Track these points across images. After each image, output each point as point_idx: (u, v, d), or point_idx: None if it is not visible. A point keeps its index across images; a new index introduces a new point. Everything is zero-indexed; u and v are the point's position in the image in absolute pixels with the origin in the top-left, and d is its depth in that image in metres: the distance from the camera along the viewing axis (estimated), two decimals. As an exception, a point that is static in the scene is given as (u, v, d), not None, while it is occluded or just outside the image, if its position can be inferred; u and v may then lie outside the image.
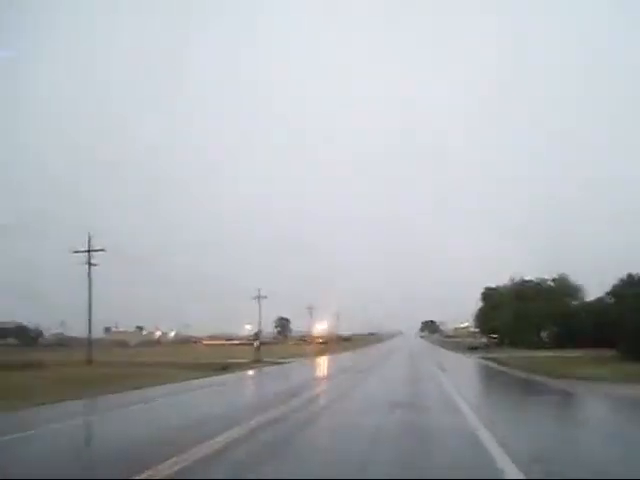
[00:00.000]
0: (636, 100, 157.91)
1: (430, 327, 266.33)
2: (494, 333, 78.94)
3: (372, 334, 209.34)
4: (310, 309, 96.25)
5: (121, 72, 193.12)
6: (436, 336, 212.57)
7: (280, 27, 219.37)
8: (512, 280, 74.08)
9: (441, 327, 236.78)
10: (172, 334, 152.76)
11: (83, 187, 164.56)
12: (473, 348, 71.20)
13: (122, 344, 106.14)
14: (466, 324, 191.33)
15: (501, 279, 77.80)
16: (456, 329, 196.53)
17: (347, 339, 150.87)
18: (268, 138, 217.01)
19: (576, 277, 66.52)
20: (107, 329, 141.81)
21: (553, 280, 69.47)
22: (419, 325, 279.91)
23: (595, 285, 64.73)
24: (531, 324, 65.03)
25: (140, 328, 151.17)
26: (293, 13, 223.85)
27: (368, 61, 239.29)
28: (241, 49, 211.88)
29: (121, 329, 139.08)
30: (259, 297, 67.01)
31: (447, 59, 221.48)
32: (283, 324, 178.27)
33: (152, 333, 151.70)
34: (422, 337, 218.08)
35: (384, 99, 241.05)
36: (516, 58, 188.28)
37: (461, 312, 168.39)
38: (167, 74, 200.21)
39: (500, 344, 72.40)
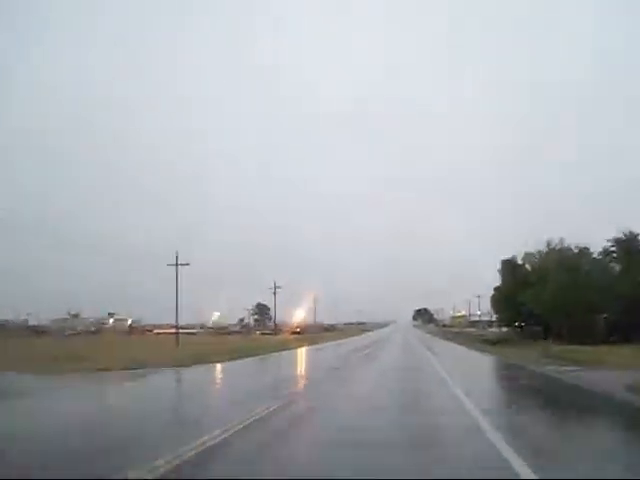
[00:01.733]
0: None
1: (424, 316, 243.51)
2: (522, 319, 55.70)
3: (362, 323, 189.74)
4: (274, 288, 72.43)
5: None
6: (431, 326, 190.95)
7: (281, 27, 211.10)
8: (549, 245, 50.67)
9: (435, 316, 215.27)
10: (128, 322, 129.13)
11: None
12: (493, 342, 47.97)
13: (41, 333, 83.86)
14: (462, 312, 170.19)
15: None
16: (453, 318, 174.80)
17: (329, 328, 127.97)
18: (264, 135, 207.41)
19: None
20: (75, 316, 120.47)
21: (616, 243, 45.68)
22: (412, 314, 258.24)
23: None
24: (588, 306, 41.88)
25: (111, 314, 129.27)
26: (293, 13, 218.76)
27: (368, 61, 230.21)
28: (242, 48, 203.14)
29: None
30: (176, 265, 43.11)
31: (447, 59, 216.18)
32: (262, 311, 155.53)
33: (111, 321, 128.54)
34: (416, 326, 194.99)
35: (384, 98, 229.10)
36: (516, 56, 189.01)
37: (457, 300, 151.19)
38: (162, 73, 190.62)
39: (532, 335, 49.24)
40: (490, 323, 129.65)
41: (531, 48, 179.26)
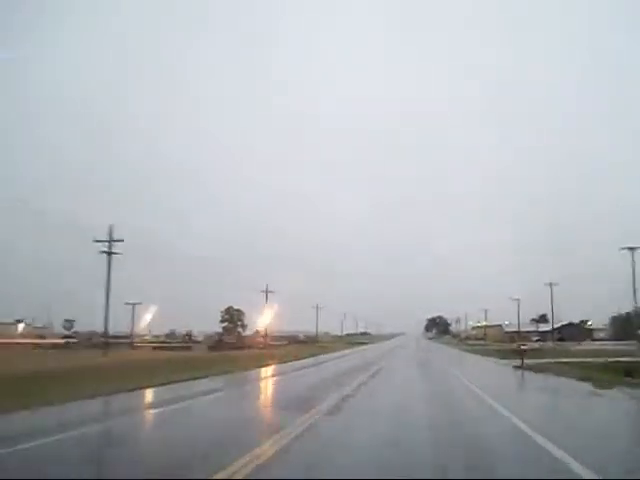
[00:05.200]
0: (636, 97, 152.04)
1: (438, 326, 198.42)
2: None
3: (365, 334, 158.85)
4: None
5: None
6: (447, 338, 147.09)
7: (282, 27, 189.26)
8: None
9: (452, 326, 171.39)
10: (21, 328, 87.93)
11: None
12: None
13: None
14: (483, 323, 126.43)
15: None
16: (479, 327, 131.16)
17: (303, 340, 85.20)
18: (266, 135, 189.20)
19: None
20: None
21: None
22: (424, 323, 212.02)
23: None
24: None
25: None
26: (293, 13, 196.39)
27: (368, 60, 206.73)
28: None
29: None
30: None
31: (447, 59, 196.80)
32: (233, 317, 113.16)
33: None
34: (431, 339, 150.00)
35: (385, 99, 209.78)
36: (516, 56, 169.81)
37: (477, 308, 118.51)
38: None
39: None
40: (542, 335, 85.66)
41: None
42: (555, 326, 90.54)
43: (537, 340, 72.54)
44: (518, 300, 68.43)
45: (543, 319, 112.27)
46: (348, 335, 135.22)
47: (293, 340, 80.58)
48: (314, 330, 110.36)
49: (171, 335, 70.94)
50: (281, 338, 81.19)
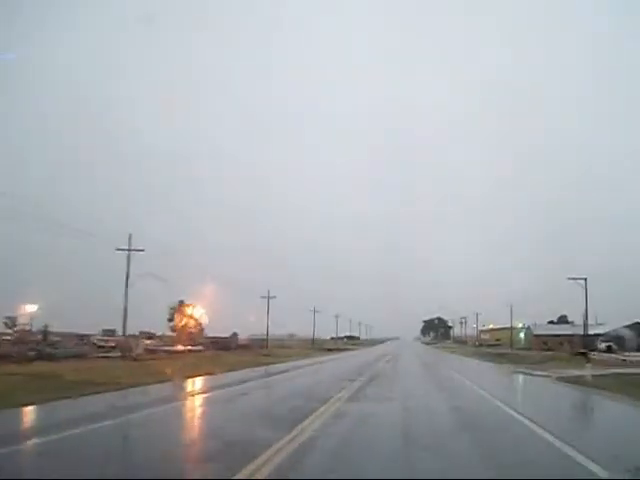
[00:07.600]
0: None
1: (437, 329, 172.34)
2: None
3: (352, 337, 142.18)
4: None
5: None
6: (449, 343, 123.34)
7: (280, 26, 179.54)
8: None
9: (453, 331, 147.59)
10: None
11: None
12: None
13: None
14: (490, 325, 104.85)
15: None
16: (489, 331, 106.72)
17: (238, 345, 58.45)
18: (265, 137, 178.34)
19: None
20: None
21: None
22: (420, 326, 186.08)
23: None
24: None
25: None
26: (293, 11, 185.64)
27: (367, 61, 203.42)
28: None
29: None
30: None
31: (447, 61, 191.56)
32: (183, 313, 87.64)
33: None
34: (428, 344, 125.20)
35: (387, 105, 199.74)
36: (517, 59, 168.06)
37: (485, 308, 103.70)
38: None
39: None
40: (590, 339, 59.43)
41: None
42: (607, 329, 65.14)
43: (608, 349, 47.02)
44: (584, 281, 41.33)
45: (564, 320, 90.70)
46: (332, 339, 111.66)
47: (224, 345, 54.18)
48: (306, 333, 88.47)
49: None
50: (213, 341, 55.45)
